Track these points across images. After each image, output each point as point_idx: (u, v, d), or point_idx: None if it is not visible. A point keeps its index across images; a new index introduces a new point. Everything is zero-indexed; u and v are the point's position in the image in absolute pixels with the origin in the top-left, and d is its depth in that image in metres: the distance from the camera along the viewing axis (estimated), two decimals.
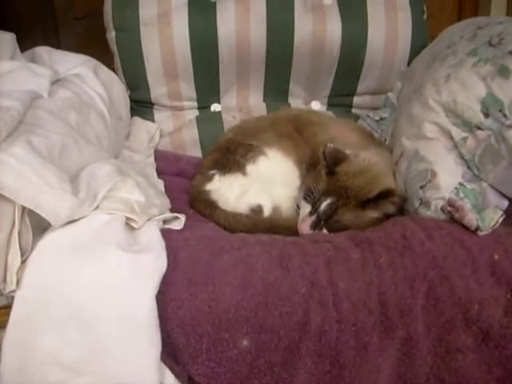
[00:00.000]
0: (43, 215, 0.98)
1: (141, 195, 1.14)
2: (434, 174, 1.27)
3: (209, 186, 1.47)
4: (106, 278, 0.97)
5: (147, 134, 1.75)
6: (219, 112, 1.85)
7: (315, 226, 1.32)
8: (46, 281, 0.97)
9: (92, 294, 0.96)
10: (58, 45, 2.01)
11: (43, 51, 1.52)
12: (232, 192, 1.44)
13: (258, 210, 1.42)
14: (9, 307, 1.14)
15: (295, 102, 1.89)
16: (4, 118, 1.00)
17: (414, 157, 1.34)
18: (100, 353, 0.96)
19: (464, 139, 1.25)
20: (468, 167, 1.25)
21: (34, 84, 1.24)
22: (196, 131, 1.82)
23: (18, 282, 0.97)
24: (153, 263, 1.00)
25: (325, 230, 1.32)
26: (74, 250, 0.99)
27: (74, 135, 1.18)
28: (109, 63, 1.78)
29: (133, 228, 1.10)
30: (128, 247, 1.01)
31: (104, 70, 1.59)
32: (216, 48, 1.73)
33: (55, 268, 0.98)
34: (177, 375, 1.03)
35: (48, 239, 1.01)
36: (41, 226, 1.03)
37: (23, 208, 0.99)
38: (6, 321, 0.99)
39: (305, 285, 1.06)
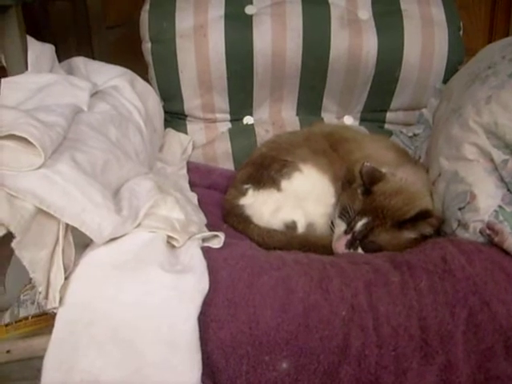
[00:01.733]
0: (87, 233, 0.97)
1: (181, 213, 1.14)
2: (473, 195, 1.25)
3: (242, 201, 1.47)
4: (148, 298, 0.96)
5: (180, 145, 1.75)
6: (252, 125, 1.85)
7: (350, 245, 1.32)
8: (88, 299, 0.96)
9: (134, 314, 0.95)
10: (91, 53, 2.03)
11: (80, 62, 1.52)
12: (266, 207, 1.44)
13: (292, 227, 1.42)
14: (41, 316, 1.15)
15: (328, 117, 1.89)
16: (50, 135, 0.99)
17: (452, 178, 1.32)
18: (140, 373, 0.95)
19: (505, 161, 1.24)
20: (508, 190, 1.23)
21: (75, 97, 1.24)
22: (228, 144, 1.82)
23: (61, 299, 0.97)
24: (195, 284, 1.00)
25: (360, 250, 1.32)
26: (116, 269, 0.98)
27: (114, 150, 1.18)
28: (141, 72, 1.78)
29: (173, 246, 1.10)
30: (170, 267, 1.01)
31: (140, 82, 1.59)
32: (251, 61, 1.73)
33: (97, 286, 0.97)
34: None
35: (90, 257, 1.00)
36: (82, 243, 1.03)
37: (67, 225, 0.98)
38: (39, 329, 0.99)
39: (345, 308, 1.05)
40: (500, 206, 1.22)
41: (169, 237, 1.09)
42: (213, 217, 1.45)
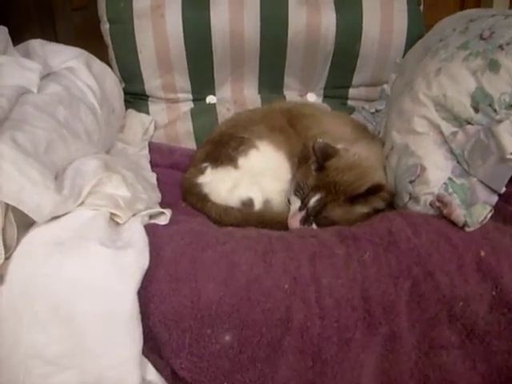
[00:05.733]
0: (26, 211, 0.98)
1: (126, 190, 1.15)
2: (423, 168, 1.26)
3: (201, 179, 1.47)
4: (87, 273, 0.98)
5: (141, 126, 1.76)
6: (214, 104, 1.85)
7: (305, 221, 1.33)
8: (29, 276, 0.98)
9: (74, 290, 0.97)
10: (55, 36, 2.02)
11: (37, 44, 1.51)
12: (223, 185, 1.44)
13: (248, 204, 1.43)
14: None
15: (290, 95, 1.89)
16: None
17: (403, 151, 1.33)
18: (82, 348, 0.97)
19: (454, 134, 1.25)
20: (458, 162, 1.24)
21: (23, 79, 1.24)
22: (190, 123, 1.83)
23: (2, 277, 0.98)
24: (134, 259, 1.01)
25: (314, 226, 1.33)
26: (57, 246, 0.99)
27: (61, 130, 1.18)
28: (106, 54, 1.79)
29: (117, 223, 1.11)
30: (111, 243, 1.02)
31: (97, 63, 1.59)
32: (210, 40, 1.73)
33: (38, 264, 0.98)
34: (159, 370, 1.04)
35: (31, 235, 1.01)
36: (27, 223, 1.04)
37: (7, 205, 0.99)
38: None
39: (288, 281, 1.06)
40: (450, 179, 1.23)
41: (112, 214, 1.10)
42: (171, 196, 1.46)
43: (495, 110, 1.18)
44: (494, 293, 1.08)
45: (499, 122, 1.16)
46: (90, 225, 1.04)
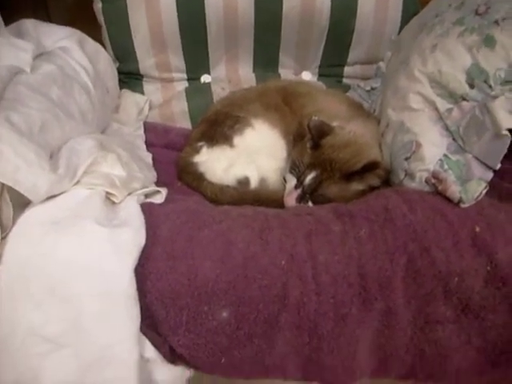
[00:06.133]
0: (22, 191, 0.98)
1: (122, 170, 1.15)
2: (418, 145, 1.26)
3: (196, 158, 1.47)
4: (83, 252, 0.98)
5: (136, 106, 1.75)
6: (209, 83, 1.84)
7: (300, 199, 1.33)
8: (26, 256, 0.98)
9: (70, 269, 0.97)
10: (47, 16, 1.99)
11: (29, 24, 1.49)
12: (219, 164, 1.44)
13: (244, 182, 1.43)
14: None
15: (285, 73, 1.88)
16: None
17: (399, 128, 1.33)
18: (80, 326, 0.97)
19: (449, 110, 1.24)
20: (453, 139, 1.23)
21: (16, 59, 1.23)
22: (185, 103, 1.82)
23: None
24: (131, 237, 1.01)
25: (310, 203, 1.33)
26: (53, 226, 0.99)
27: (55, 110, 1.18)
28: (99, 35, 1.77)
29: (113, 203, 1.11)
30: (107, 222, 1.02)
31: (90, 43, 1.58)
32: (203, 18, 1.71)
33: (34, 243, 0.98)
34: (158, 347, 1.05)
35: (28, 215, 1.01)
36: (23, 203, 1.04)
37: (2, 185, 0.99)
38: None
39: (284, 258, 1.07)
40: (445, 155, 1.22)
41: (108, 193, 1.10)
42: (167, 175, 1.46)
43: (490, 86, 1.17)
44: (488, 268, 1.08)
45: (494, 98, 1.15)
46: (86, 204, 1.04)
